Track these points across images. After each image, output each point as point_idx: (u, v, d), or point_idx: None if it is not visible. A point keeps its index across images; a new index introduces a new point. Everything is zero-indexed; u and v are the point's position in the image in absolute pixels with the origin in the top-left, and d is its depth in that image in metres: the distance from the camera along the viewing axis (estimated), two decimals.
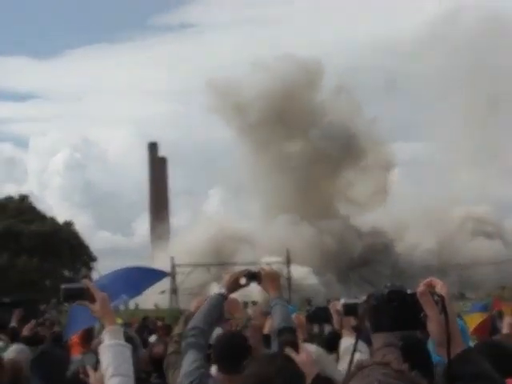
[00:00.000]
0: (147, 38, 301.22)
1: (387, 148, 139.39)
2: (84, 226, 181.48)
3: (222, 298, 5.56)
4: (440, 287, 3.75)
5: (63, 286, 4.88)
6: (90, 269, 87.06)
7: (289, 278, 74.96)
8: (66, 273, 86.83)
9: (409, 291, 3.80)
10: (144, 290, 8.35)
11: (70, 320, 9.14)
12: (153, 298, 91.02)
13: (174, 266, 74.01)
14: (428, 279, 3.81)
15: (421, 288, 3.73)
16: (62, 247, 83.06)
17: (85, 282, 4.87)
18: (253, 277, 5.41)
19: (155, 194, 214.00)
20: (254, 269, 5.53)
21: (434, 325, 3.66)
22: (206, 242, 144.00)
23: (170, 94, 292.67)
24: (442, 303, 3.66)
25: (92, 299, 4.79)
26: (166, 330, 16.81)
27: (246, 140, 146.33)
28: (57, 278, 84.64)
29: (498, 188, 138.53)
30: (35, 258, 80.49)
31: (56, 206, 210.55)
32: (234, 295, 5.75)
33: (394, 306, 3.77)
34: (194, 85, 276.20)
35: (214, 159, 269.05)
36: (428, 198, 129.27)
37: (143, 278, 8.41)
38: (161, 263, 71.78)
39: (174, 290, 72.56)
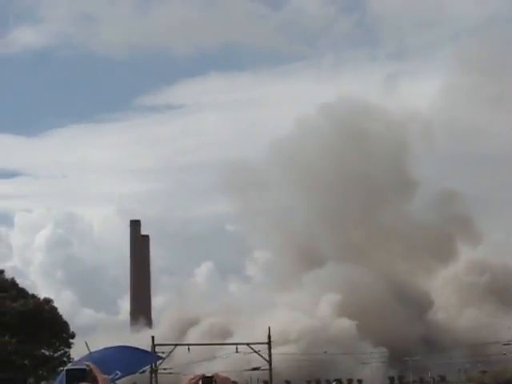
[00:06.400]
0: (132, 118, 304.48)
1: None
2: (68, 303, 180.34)
3: None
4: None
5: (67, 368, 5.06)
6: (69, 346, 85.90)
7: (270, 361, 74.29)
8: (45, 351, 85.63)
9: None
10: (139, 369, 8.53)
11: None
12: (131, 378, 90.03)
13: (154, 346, 73.20)
14: None
15: None
16: (43, 326, 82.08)
17: (88, 364, 5.03)
18: (209, 381, 5.64)
19: (137, 272, 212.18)
20: (208, 374, 5.74)
21: None
22: (187, 321, 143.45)
23: (154, 172, 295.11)
24: None
25: (94, 381, 4.96)
26: None
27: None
28: (35, 357, 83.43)
29: None
30: (15, 339, 79.41)
31: (40, 281, 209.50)
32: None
33: None
34: (178, 163, 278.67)
35: (198, 237, 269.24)
36: None
37: (138, 357, 8.57)
38: (140, 342, 71.26)
39: (154, 370, 71.56)
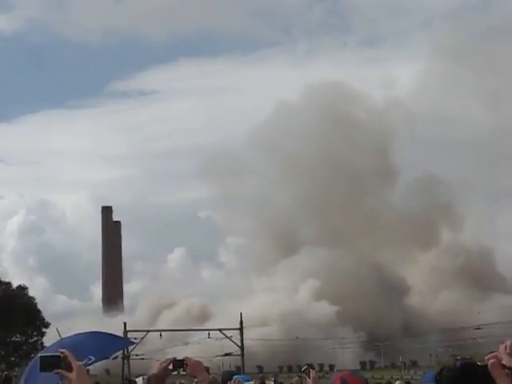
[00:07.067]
0: (105, 105, 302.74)
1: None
2: (40, 290, 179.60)
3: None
4: (507, 360, 3.87)
5: (40, 355, 4.95)
6: (42, 334, 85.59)
7: (242, 346, 74.33)
8: (18, 337, 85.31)
9: (479, 363, 4.05)
10: (112, 354, 8.51)
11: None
12: (103, 364, 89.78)
13: (126, 332, 72.96)
14: (495, 353, 3.94)
15: (492, 361, 3.86)
16: (16, 313, 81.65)
17: (62, 351, 4.94)
18: (179, 364, 6.05)
19: (109, 258, 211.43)
20: (179, 357, 6.12)
21: None
22: (161, 307, 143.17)
23: (126, 158, 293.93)
24: None
25: (69, 368, 4.86)
26: None
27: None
28: (7, 344, 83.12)
29: None
30: None
31: (12, 268, 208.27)
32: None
33: (467, 378, 4.05)
34: (150, 150, 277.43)
35: (170, 224, 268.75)
36: None
37: (110, 342, 8.55)
38: (115, 328, 71.10)
39: (126, 356, 71.35)
